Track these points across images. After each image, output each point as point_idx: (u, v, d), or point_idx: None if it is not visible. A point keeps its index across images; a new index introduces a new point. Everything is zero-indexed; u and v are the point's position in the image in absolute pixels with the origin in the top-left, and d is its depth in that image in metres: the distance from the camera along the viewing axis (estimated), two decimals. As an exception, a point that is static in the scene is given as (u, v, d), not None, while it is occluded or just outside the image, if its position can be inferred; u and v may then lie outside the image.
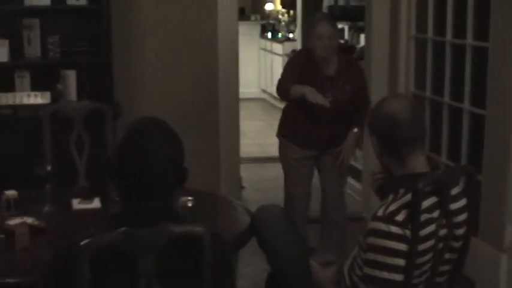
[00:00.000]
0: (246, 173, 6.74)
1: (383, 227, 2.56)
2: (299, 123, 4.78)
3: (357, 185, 6.55)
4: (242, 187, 6.54)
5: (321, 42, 4.54)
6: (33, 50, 5.36)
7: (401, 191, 2.62)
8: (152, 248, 2.09)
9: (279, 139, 4.98)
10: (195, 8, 5.78)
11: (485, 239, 4.59)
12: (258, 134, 9.81)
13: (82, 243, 2.02)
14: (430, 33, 5.50)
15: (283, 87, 4.70)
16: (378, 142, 2.75)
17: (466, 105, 4.98)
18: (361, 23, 7.90)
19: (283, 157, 4.96)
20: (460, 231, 2.73)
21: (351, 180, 6.19)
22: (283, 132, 4.93)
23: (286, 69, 4.83)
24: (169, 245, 2.10)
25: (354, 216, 6.06)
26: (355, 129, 4.73)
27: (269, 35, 12.68)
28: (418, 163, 2.69)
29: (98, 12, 5.26)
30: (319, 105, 4.47)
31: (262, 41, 12.89)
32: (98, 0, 5.25)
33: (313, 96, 4.48)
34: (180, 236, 2.10)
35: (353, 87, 4.68)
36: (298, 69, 4.70)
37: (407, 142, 2.67)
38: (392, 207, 2.58)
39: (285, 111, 4.96)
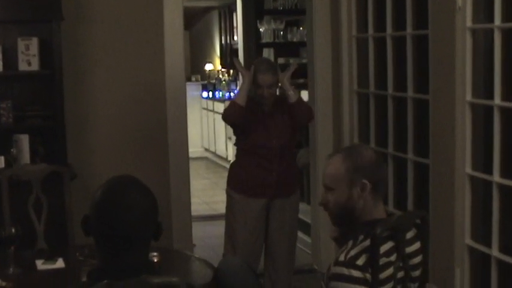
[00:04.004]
0: (195, 230, 6.78)
1: (345, 271, 2.67)
2: (247, 168, 4.94)
3: (307, 239, 6.65)
4: (193, 245, 6.59)
5: (261, 90, 4.87)
6: (-16, 115, 5.35)
7: (361, 237, 2.74)
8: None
9: (227, 193, 5.09)
10: (144, 68, 5.89)
11: (436, 282, 4.70)
12: (204, 192, 9.89)
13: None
14: (372, 88, 5.71)
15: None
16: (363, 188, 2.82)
17: (410, 155, 5.17)
18: (301, 80, 8.11)
19: (230, 213, 5.05)
20: (416, 273, 2.87)
21: (300, 234, 6.30)
22: (231, 182, 5.07)
23: None
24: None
25: (305, 269, 6.18)
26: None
27: (210, 94, 12.83)
28: (379, 210, 2.84)
29: (50, 76, 5.28)
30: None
31: (204, 101, 13.01)
32: (50, 65, 5.28)
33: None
34: (159, 287, 2.19)
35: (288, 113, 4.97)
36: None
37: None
38: (352, 253, 2.70)
39: (233, 163, 5.16)
